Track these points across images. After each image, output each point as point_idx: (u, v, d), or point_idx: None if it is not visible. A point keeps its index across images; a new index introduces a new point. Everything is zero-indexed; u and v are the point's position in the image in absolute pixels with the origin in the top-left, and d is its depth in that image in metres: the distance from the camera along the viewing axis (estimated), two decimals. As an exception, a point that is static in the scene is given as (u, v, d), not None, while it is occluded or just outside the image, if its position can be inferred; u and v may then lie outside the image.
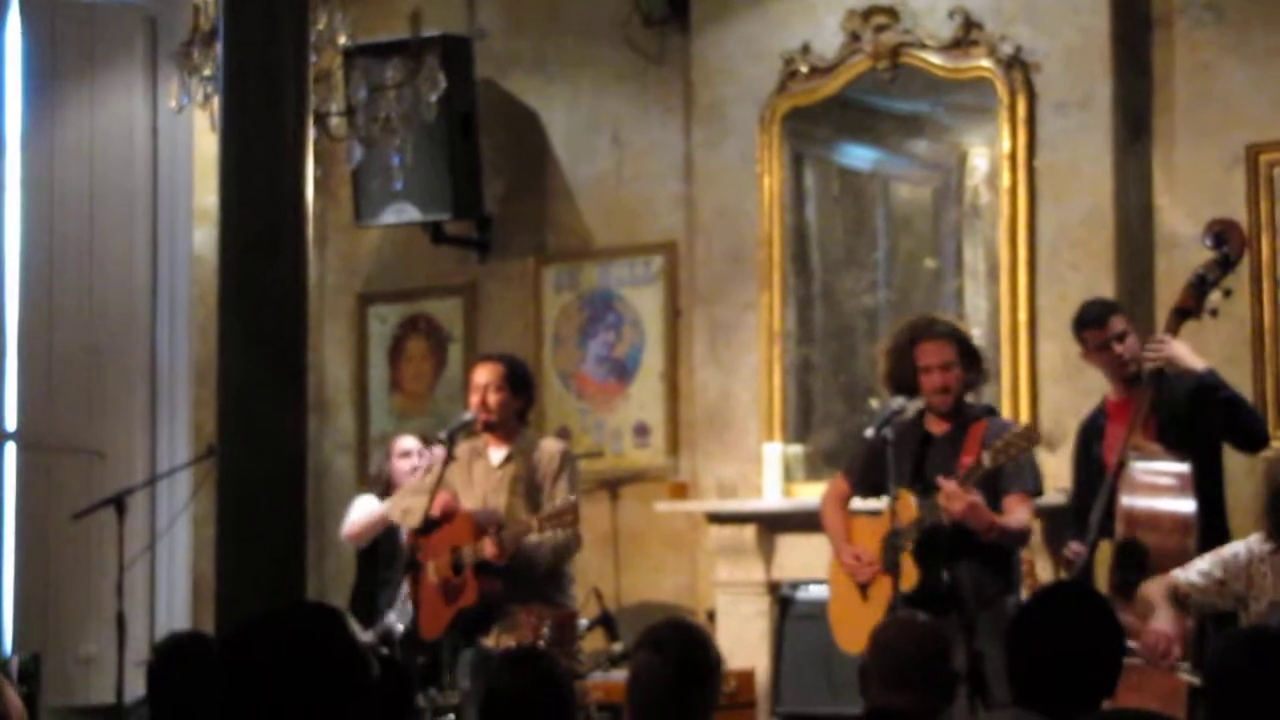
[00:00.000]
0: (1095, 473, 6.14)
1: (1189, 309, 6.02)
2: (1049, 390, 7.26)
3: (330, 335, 9.44)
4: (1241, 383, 7.00)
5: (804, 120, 8.09)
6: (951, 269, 7.89)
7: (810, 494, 7.37)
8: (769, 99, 8.03)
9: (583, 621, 6.84)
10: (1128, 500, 5.83)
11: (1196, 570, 5.49)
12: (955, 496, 5.93)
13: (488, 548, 6.72)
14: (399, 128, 7.07)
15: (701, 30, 8.27)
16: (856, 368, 7.99)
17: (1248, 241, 6.66)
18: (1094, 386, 6.59)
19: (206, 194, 8.60)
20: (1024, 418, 7.12)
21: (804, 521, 7.29)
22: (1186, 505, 5.81)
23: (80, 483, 8.65)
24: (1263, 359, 7.10)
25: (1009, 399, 7.34)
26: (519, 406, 7.02)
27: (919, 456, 6.29)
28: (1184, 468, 5.91)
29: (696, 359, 8.27)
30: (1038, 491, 6.29)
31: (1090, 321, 6.20)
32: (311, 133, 5.17)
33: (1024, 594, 6.13)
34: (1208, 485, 5.98)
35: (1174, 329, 6.00)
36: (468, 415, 7.02)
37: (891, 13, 7.77)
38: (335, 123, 7.14)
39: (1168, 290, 7.07)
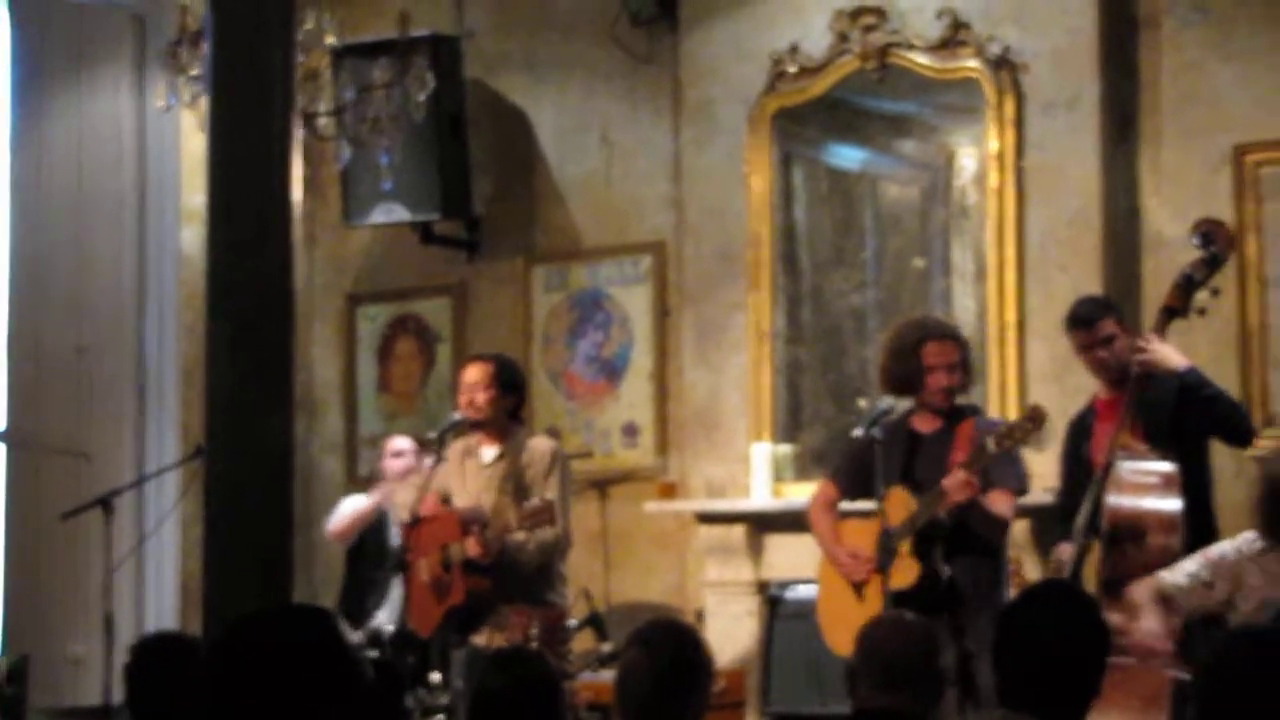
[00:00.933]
0: (1084, 472, 6.14)
1: (1176, 308, 6.02)
2: (1037, 390, 7.26)
3: (319, 335, 9.43)
4: (1228, 382, 7.01)
5: (792, 120, 8.09)
6: (939, 269, 7.89)
7: (799, 494, 7.38)
8: (757, 99, 8.04)
9: (572, 621, 6.84)
10: (1114, 500, 5.84)
11: (1184, 572, 5.50)
12: (962, 483, 5.93)
13: (472, 546, 6.72)
14: (387, 128, 7.08)
15: (690, 30, 8.28)
16: (845, 367, 8.00)
17: (1234, 241, 6.68)
18: (1082, 386, 6.59)
19: (194, 194, 8.60)
20: (1012, 418, 7.11)
21: (793, 521, 7.29)
22: (1172, 504, 5.81)
23: (68, 483, 8.64)
24: (1249, 358, 7.12)
25: (997, 399, 7.36)
26: (509, 405, 7.01)
27: (908, 456, 6.30)
28: (1170, 467, 5.91)
29: (685, 359, 8.27)
30: (1022, 490, 6.31)
31: (1079, 322, 6.20)
32: (299, 133, 5.18)
33: (1011, 593, 6.14)
34: (1195, 484, 5.98)
35: (1162, 328, 6.00)
36: (457, 416, 7.02)
37: (879, 13, 7.78)
38: (324, 123, 7.14)
39: (1155, 290, 7.08)
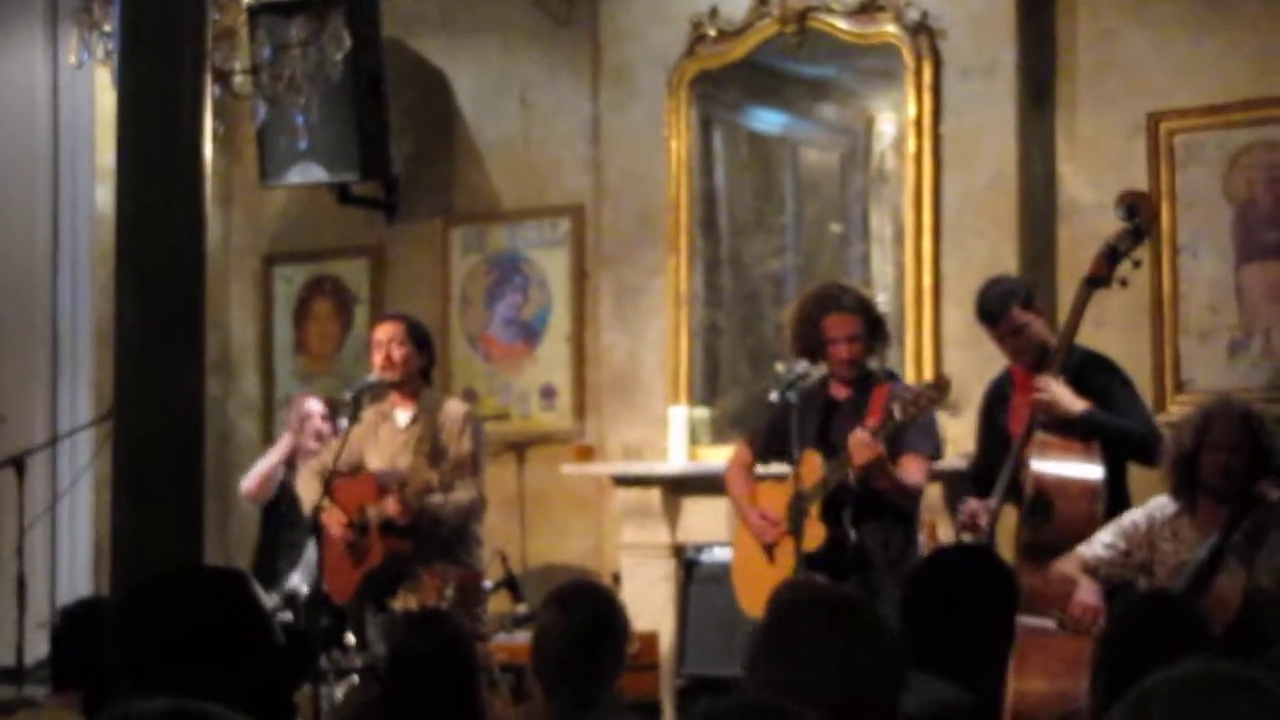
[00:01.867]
0: (1000, 441, 6.17)
1: (1100, 278, 6.05)
2: (953, 355, 7.29)
3: (235, 296, 9.37)
4: (1141, 350, 7.09)
5: (712, 84, 8.08)
6: (858, 234, 7.91)
7: (716, 457, 7.40)
8: (677, 62, 8.02)
9: (487, 583, 6.85)
10: (1037, 465, 5.87)
11: (1100, 543, 5.55)
12: (865, 445, 5.97)
13: (390, 506, 6.73)
14: (303, 87, 7.01)
15: (610, -8, 8.25)
16: (763, 332, 8.01)
17: (1157, 214, 6.73)
18: (998, 352, 6.62)
19: (109, 151, 8.40)
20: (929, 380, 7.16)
21: (709, 484, 7.32)
22: (1094, 472, 5.85)
23: (-21, 443, 8.55)
24: (1161, 326, 7.17)
25: (913, 364, 7.39)
26: (423, 363, 7.06)
27: (823, 420, 6.34)
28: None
29: (603, 322, 8.27)
30: (936, 454, 6.36)
31: (985, 317, 6.21)
32: (213, 91, 5.12)
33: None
34: (1110, 452, 6.02)
35: (1085, 298, 6.02)
36: (372, 377, 7.03)
37: (799, -23, 7.78)
38: (239, 81, 7.07)
39: (1069, 257, 7.13)
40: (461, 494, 6.87)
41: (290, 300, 9.26)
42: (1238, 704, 1.98)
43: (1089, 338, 6.28)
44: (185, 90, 4.69)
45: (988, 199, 7.36)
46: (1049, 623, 5.49)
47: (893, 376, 6.62)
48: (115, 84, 5.01)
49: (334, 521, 6.87)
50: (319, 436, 7.83)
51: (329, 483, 6.79)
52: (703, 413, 7.97)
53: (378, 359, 7.00)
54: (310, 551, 7.37)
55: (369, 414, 7.13)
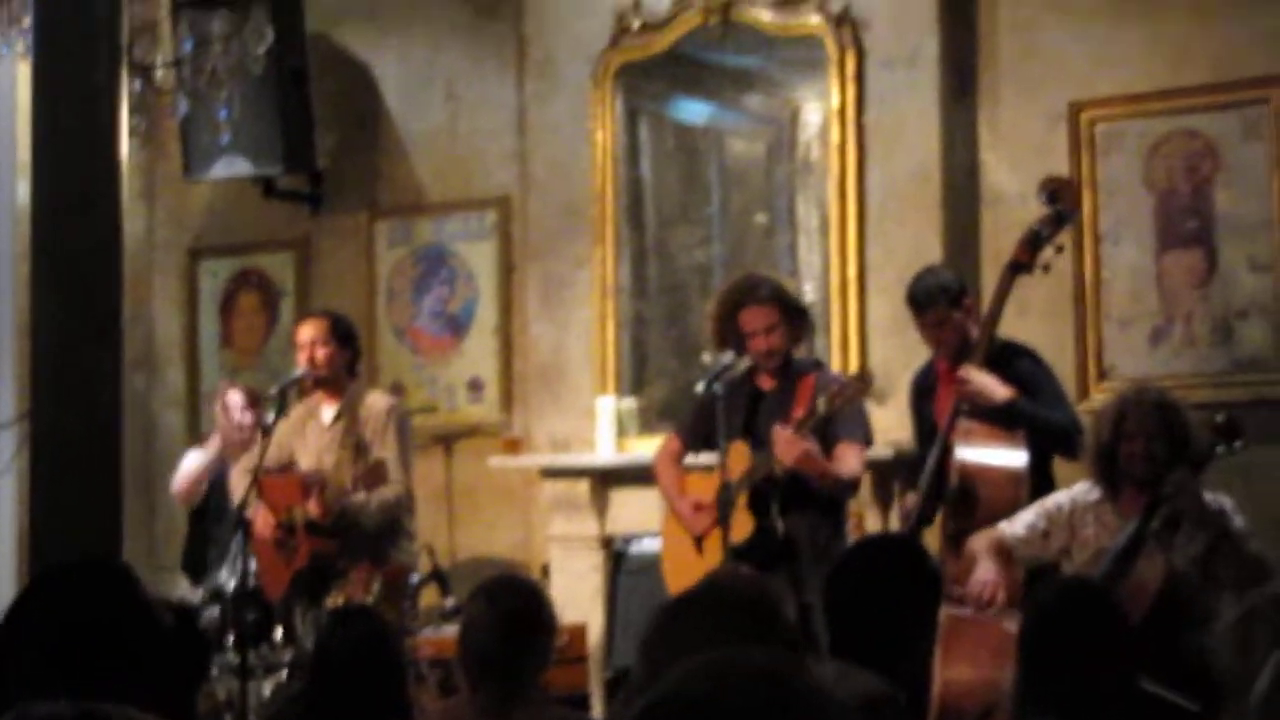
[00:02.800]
0: (927, 431, 6.20)
1: (1023, 264, 6.08)
2: (878, 344, 7.32)
3: (160, 290, 9.31)
4: (1063, 337, 7.14)
5: (637, 75, 8.08)
6: (784, 224, 7.93)
7: (644, 448, 7.41)
8: (601, 54, 8.01)
9: (415, 577, 6.83)
10: (961, 453, 5.90)
11: (1021, 523, 5.58)
12: (790, 444, 5.98)
13: (311, 507, 6.72)
14: (226, 81, 6.99)
15: (534, -16, 8.24)
16: (690, 322, 8.01)
17: (1080, 199, 6.78)
18: (923, 340, 6.64)
19: (29, 147, 8.43)
20: (850, 374, 7.18)
21: (637, 475, 7.32)
22: (1018, 459, 5.88)
23: (-97, 440, 8.46)
24: (1084, 314, 7.22)
25: (839, 353, 7.41)
26: (347, 359, 7.05)
27: (750, 411, 6.35)
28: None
29: (530, 314, 8.26)
30: (868, 441, 6.37)
31: (910, 303, 6.23)
32: (135, 85, 5.09)
33: (852, 546, 6.19)
34: (1034, 438, 6.05)
35: (1008, 284, 6.05)
36: (298, 371, 7.01)
37: (721, -32, 7.78)
38: (161, 75, 7.03)
39: (993, 245, 7.17)
40: (386, 491, 6.85)
41: (216, 294, 9.22)
42: None
43: (1012, 325, 6.31)
44: (101, 85, 4.66)
45: (911, 188, 7.39)
46: (976, 612, 5.52)
47: (819, 365, 6.64)
48: (31, 79, 4.98)
49: (262, 521, 6.85)
50: (241, 428, 7.80)
51: (258, 481, 6.76)
52: (630, 403, 7.97)
53: (301, 359, 7.00)
54: (237, 547, 7.34)
55: (297, 410, 7.11)
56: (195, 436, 8.82)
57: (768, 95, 8.13)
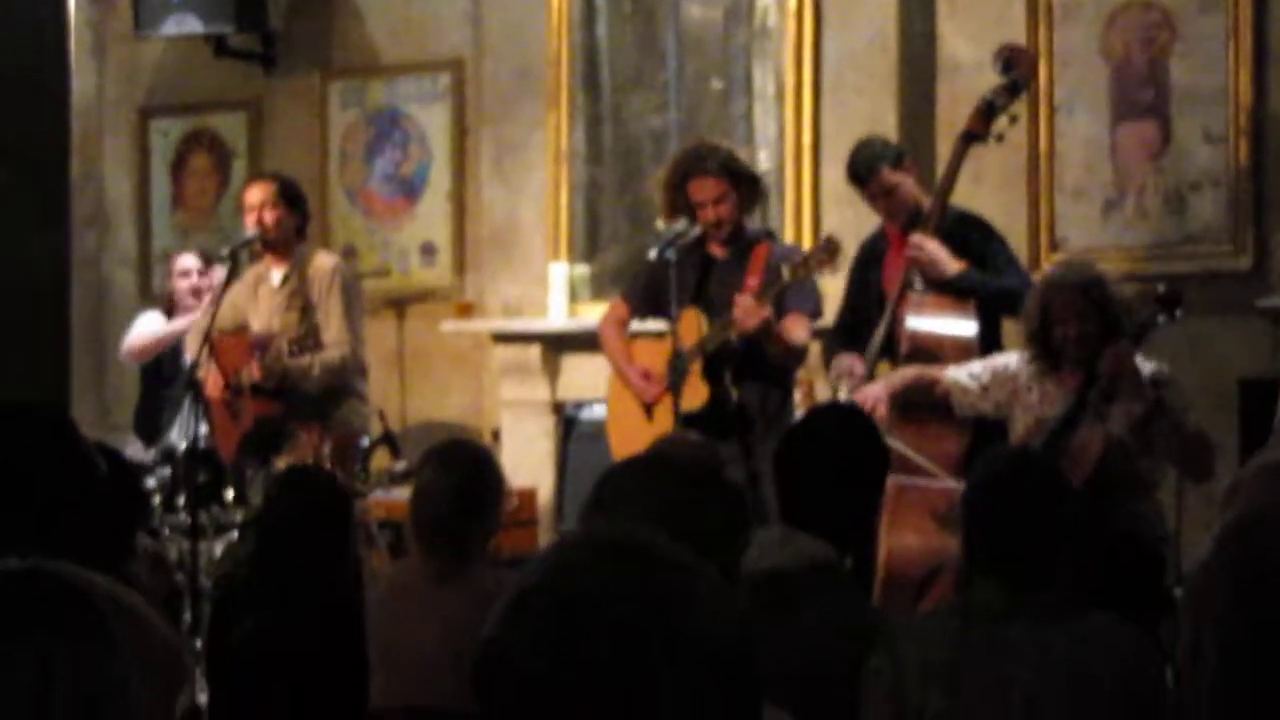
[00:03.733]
0: (872, 297, 6.20)
1: (977, 133, 6.06)
2: (831, 213, 7.32)
3: (110, 149, 9.22)
4: (1016, 208, 7.14)
5: (595, -64, 8.00)
6: (740, 91, 7.88)
7: (595, 314, 7.38)
8: (558, -85, 7.93)
9: (365, 440, 6.85)
10: (912, 323, 5.91)
11: (968, 372, 5.62)
12: (751, 311, 5.98)
13: (255, 369, 6.71)
14: (177, -65, 6.89)
15: None
16: (643, 189, 7.96)
17: (1035, 67, 6.76)
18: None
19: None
20: (806, 240, 7.18)
21: (589, 341, 7.31)
22: (968, 328, 5.90)
23: None
24: (1037, 184, 7.22)
25: (792, 221, 7.41)
26: (296, 222, 7.02)
27: (701, 278, 6.33)
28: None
29: (483, 178, 8.22)
30: (817, 313, 6.36)
31: (855, 177, 6.19)
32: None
33: (800, 415, 6.22)
34: (985, 308, 6.06)
35: (961, 153, 6.04)
36: (249, 233, 6.99)
37: None
38: (110, -71, 6.93)
39: (949, 114, 7.14)
40: (331, 352, 6.84)
41: (167, 154, 9.14)
42: None
43: (965, 195, 6.31)
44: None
45: (868, 57, 7.36)
46: (922, 480, 5.57)
47: (770, 235, 6.62)
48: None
49: (213, 383, 6.85)
50: (195, 292, 7.76)
51: (210, 342, 6.75)
52: (583, 269, 7.96)
53: (249, 222, 6.97)
54: (188, 407, 7.33)
55: (249, 273, 7.10)
56: (147, 296, 8.78)
57: (725, -41, 8.05)
